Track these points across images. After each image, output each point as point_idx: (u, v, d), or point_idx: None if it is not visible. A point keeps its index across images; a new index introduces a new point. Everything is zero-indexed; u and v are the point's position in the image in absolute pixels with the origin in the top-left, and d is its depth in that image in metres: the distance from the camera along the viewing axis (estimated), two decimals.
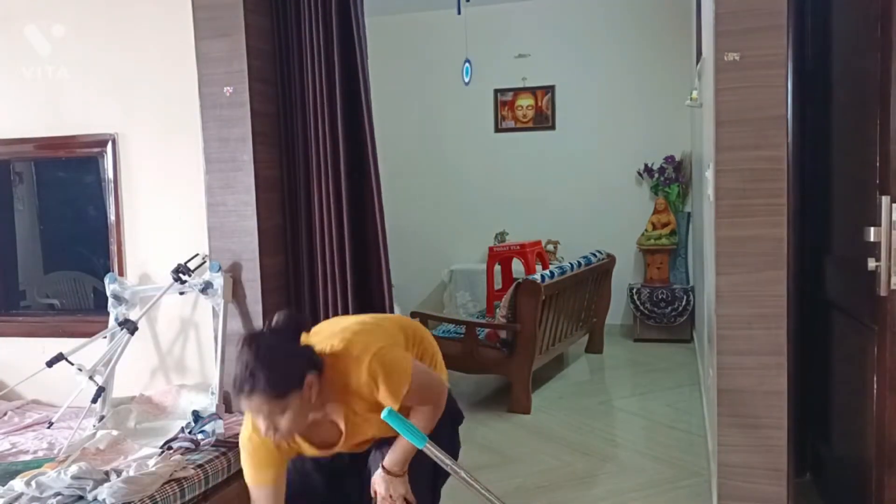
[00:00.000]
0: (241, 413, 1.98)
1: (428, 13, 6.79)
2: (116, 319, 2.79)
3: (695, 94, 4.48)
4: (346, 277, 2.73)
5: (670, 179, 6.33)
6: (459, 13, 5.33)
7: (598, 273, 5.55)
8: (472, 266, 6.71)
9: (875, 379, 2.11)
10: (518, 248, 5.77)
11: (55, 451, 2.47)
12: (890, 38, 1.99)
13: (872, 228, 2.00)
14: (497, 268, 5.89)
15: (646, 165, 6.42)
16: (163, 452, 2.30)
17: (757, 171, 2.24)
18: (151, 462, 2.15)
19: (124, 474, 2.07)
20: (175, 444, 2.36)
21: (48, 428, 2.71)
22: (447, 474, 2.15)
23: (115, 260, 2.94)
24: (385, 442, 1.99)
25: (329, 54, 2.67)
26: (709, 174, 2.72)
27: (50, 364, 2.53)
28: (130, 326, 2.66)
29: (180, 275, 2.68)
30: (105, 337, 2.78)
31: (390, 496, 1.97)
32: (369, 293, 2.81)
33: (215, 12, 2.68)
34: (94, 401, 2.61)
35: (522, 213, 6.55)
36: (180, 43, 2.76)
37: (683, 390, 4.75)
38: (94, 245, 3.12)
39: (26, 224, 3.37)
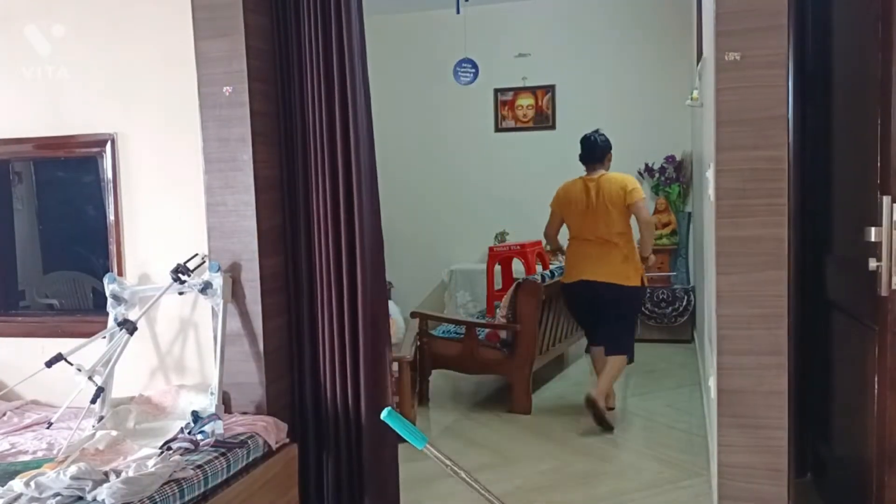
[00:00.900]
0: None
1: (428, 13, 6.79)
2: (116, 319, 2.79)
3: (695, 93, 4.47)
4: (342, 278, 2.73)
5: (671, 179, 6.33)
6: (458, 13, 5.33)
7: None
8: (472, 266, 6.71)
9: (876, 379, 2.11)
10: (518, 248, 5.76)
11: (54, 452, 2.46)
12: (890, 38, 1.99)
13: (873, 228, 1.99)
14: (497, 268, 5.89)
15: (646, 165, 6.42)
16: (162, 453, 2.30)
17: (757, 171, 2.23)
18: (151, 462, 2.15)
19: (123, 475, 2.07)
20: (174, 445, 2.36)
21: (47, 428, 2.71)
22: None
23: (115, 260, 2.94)
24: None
25: (328, 54, 2.67)
26: (709, 174, 2.72)
27: (49, 364, 2.52)
28: (130, 326, 2.66)
29: (180, 275, 2.68)
30: (104, 337, 2.77)
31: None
32: (373, 293, 2.81)
33: (215, 12, 2.67)
34: (94, 401, 2.60)
35: (522, 213, 6.55)
36: (180, 43, 2.76)
37: (684, 390, 4.75)
38: (94, 245, 3.11)
39: (25, 224, 3.36)
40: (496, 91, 6.83)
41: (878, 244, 1.99)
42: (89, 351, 2.64)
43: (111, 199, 2.93)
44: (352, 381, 2.75)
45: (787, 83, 2.22)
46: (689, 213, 6.25)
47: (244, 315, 2.73)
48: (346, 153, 2.68)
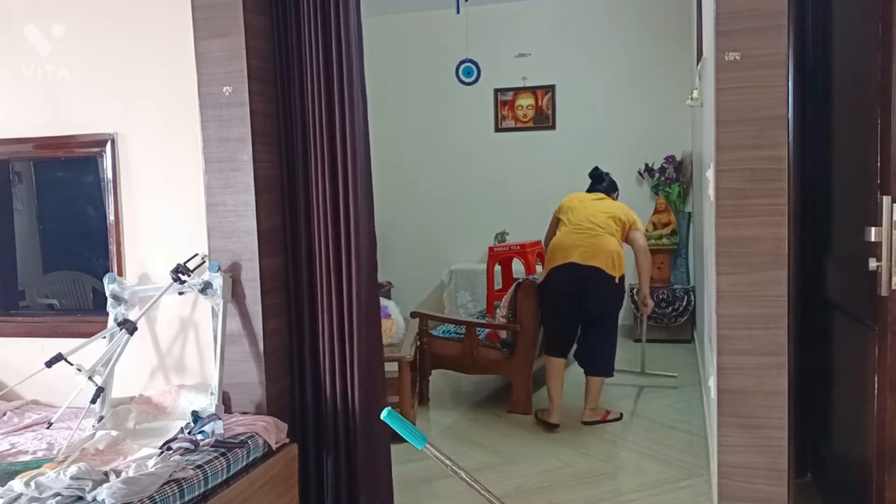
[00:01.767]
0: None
1: (428, 13, 6.80)
2: (116, 319, 2.79)
3: (695, 93, 4.47)
4: (341, 278, 2.73)
5: (671, 179, 6.33)
6: (458, 12, 5.33)
7: None
8: (472, 266, 6.71)
9: (875, 379, 2.11)
10: (518, 248, 5.76)
11: (54, 452, 2.46)
12: (890, 38, 1.99)
13: (873, 228, 1.99)
14: (497, 268, 5.89)
15: (646, 165, 6.42)
16: (162, 453, 2.30)
17: (757, 171, 2.24)
18: (151, 462, 2.15)
19: (123, 475, 2.07)
20: (174, 445, 2.36)
21: (47, 428, 2.71)
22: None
23: (115, 260, 2.94)
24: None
25: (328, 54, 2.67)
26: (709, 174, 2.72)
27: (49, 364, 2.52)
28: (130, 326, 2.66)
29: (180, 275, 2.68)
30: (104, 337, 2.77)
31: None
32: (368, 294, 2.81)
33: (214, 12, 2.67)
34: (94, 401, 2.60)
35: (522, 213, 6.55)
36: (180, 43, 2.76)
37: (683, 390, 4.75)
38: (94, 245, 3.11)
39: (25, 224, 3.36)
40: (496, 91, 6.83)
41: (878, 244, 1.99)
42: (89, 351, 2.64)
43: (111, 199, 2.93)
44: (350, 381, 2.75)
45: (787, 83, 2.22)
46: (689, 213, 6.25)
47: (244, 315, 2.73)
48: (345, 153, 2.69)
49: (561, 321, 4.21)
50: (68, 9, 2.92)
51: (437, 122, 6.98)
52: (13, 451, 2.51)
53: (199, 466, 2.22)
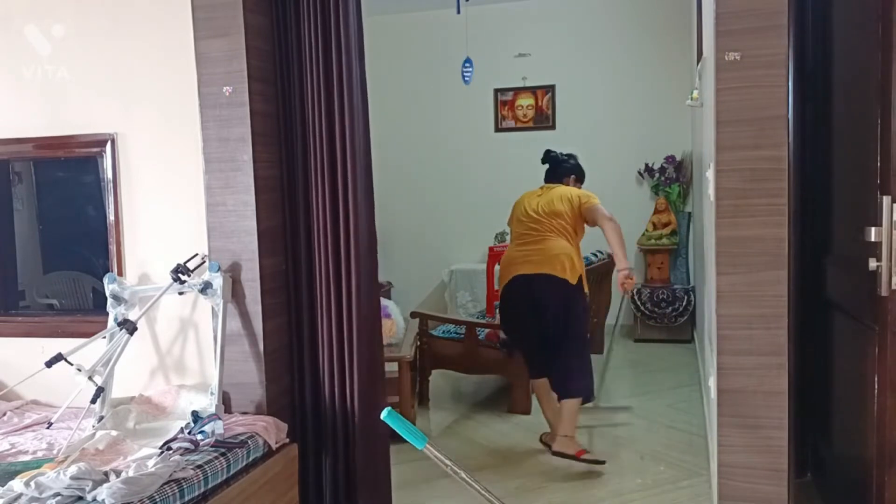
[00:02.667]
0: None
1: (428, 13, 6.79)
2: (116, 319, 2.79)
3: (695, 93, 4.47)
4: (340, 278, 2.73)
5: (671, 179, 6.33)
6: (459, 13, 5.33)
7: (598, 273, 5.53)
8: (472, 266, 6.70)
9: (875, 379, 2.11)
10: None
11: (54, 452, 2.46)
12: (890, 38, 1.99)
13: (873, 228, 1.99)
14: (497, 268, 5.88)
15: (646, 165, 6.42)
16: (162, 453, 2.30)
17: (757, 171, 2.23)
18: (151, 462, 2.15)
19: (123, 475, 2.07)
20: (174, 445, 2.36)
21: (47, 428, 2.71)
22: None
23: (115, 260, 2.93)
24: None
25: (328, 54, 2.67)
26: (709, 174, 2.72)
27: (49, 364, 2.52)
28: (130, 326, 2.66)
29: (180, 275, 2.68)
30: (104, 337, 2.77)
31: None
32: (367, 294, 2.81)
33: (214, 12, 2.67)
34: (94, 401, 2.60)
35: None
36: (180, 43, 2.76)
37: (684, 390, 4.75)
38: (94, 245, 3.11)
39: (25, 224, 3.36)
40: (496, 91, 6.83)
41: (878, 244, 1.99)
42: (89, 351, 2.64)
43: (111, 199, 2.93)
44: (349, 381, 2.75)
45: (787, 83, 2.22)
46: (689, 213, 6.25)
47: (244, 315, 2.73)
48: (345, 153, 2.69)
49: (527, 340, 3.81)
50: (68, 9, 2.92)
51: (437, 122, 6.98)
52: (13, 451, 2.51)
53: (199, 466, 2.22)
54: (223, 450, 2.36)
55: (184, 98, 2.76)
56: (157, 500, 2.02)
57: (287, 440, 2.69)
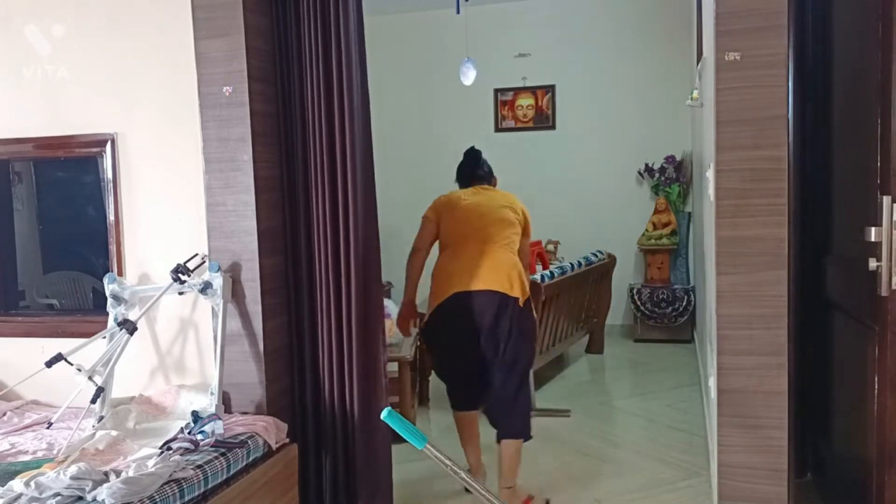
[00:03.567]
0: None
1: (428, 13, 6.79)
2: (115, 319, 2.78)
3: (695, 93, 4.47)
4: (340, 278, 2.73)
5: (671, 179, 6.33)
6: (458, 12, 5.33)
7: (598, 273, 5.54)
8: None
9: (875, 379, 2.11)
10: None
11: (54, 452, 2.46)
12: (890, 38, 1.99)
13: (873, 228, 1.99)
14: None
15: (646, 165, 6.42)
16: (162, 453, 2.30)
17: (757, 171, 2.23)
18: (151, 462, 2.15)
19: (123, 475, 2.07)
20: (174, 445, 2.35)
21: (47, 428, 2.71)
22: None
23: (115, 260, 2.93)
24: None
25: (328, 54, 2.67)
26: (709, 174, 2.72)
27: (49, 364, 2.52)
28: (130, 326, 2.66)
29: (180, 275, 2.68)
30: (104, 337, 2.77)
31: None
32: (367, 295, 2.81)
33: (214, 12, 2.67)
34: (94, 401, 2.60)
35: None
36: (180, 43, 2.76)
37: (684, 390, 4.75)
38: (94, 245, 3.11)
39: (25, 224, 3.36)
40: (496, 91, 6.83)
41: (878, 244, 1.99)
42: (89, 351, 2.64)
43: (111, 199, 2.93)
44: (349, 381, 2.75)
45: (787, 83, 2.22)
46: (689, 213, 6.25)
47: (244, 315, 2.73)
48: (345, 153, 2.68)
49: (464, 366, 3.18)
50: (68, 9, 2.92)
51: (436, 122, 6.98)
52: (13, 451, 2.51)
53: (199, 466, 2.22)
54: (223, 450, 2.36)
55: (184, 98, 2.76)
56: (157, 500, 2.02)
57: (287, 440, 2.69)
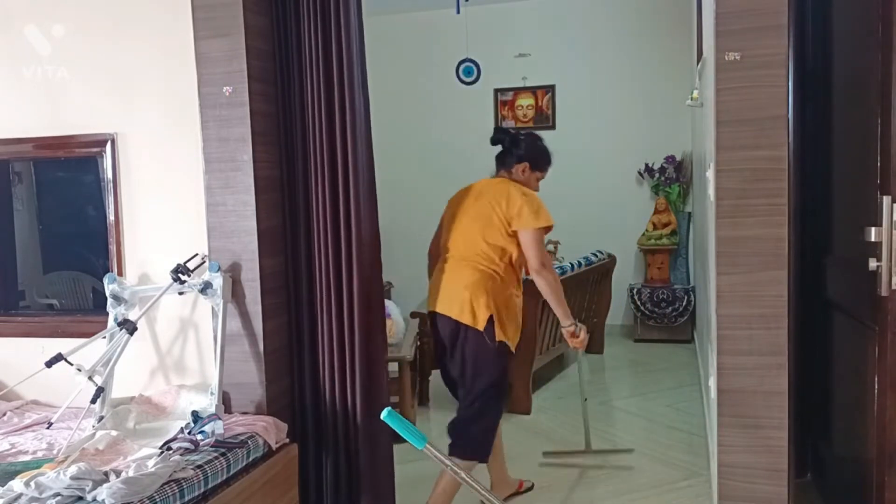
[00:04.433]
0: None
1: (428, 13, 6.79)
2: (115, 319, 2.79)
3: (695, 93, 4.47)
4: (341, 278, 2.73)
5: (671, 179, 6.33)
6: (458, 12, 5.33)
7: (598, 273, 5.54)
8: None
9: (876, 379, 2.11)
10: None
11: (54, 452, 2.46)
12: (890, 38, 1.99)
13: (873, 228, 1.99)
14: None
15: (646, 165, 6.42)
16: (162, 453, 2.30)
17: (757, 170, 2.23)
18: (151, 462, 2.15)
19: (123, 475, 2.07)
20: (174, 445, 2.36)
21: (47, 428, 2.71)
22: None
23: (115, 260, 2.94)
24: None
25: (328, 54, 2.67)
26: (709, 174, 2.71)
27: (49, 364, 2.52)
28: (130, 326, 2.66)
29: (180, 275, 2.68)
30: (104, 337, 2.77)
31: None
32: (368, 295, 2.81)
33: (214, 12, 2.67)
34: (94, 401, 2.60)
35: None
36: (180, 43, 2.76)
37: (684, 390, 4.75)
38: (94, 245, 3.11)
39: (25, 224, 3.36)
40: (496, 91, 6.82)
41: (878, 244, 1.99)
42: (89, 351, 2.64)
43: (111, 199, 2.93)
44: (350, 381, 2.75)
45: (787, 83, 2.22)
46: (689, 213, 6.25)
47: (244, 315, 2.73)
48: (346, 153, 2.69)
49: (447, 380, 3.10)
50: (68, 9, 2.92)
51: (437, 123, 6.98)
52: (13, 451, 2.51)
53: (199, 466, 2.22)
54: (223, 450, 2.36)
55: (184, 98, 2.76)
56: (157, 500, 2.02)
57: (287, 440, 2.69)
